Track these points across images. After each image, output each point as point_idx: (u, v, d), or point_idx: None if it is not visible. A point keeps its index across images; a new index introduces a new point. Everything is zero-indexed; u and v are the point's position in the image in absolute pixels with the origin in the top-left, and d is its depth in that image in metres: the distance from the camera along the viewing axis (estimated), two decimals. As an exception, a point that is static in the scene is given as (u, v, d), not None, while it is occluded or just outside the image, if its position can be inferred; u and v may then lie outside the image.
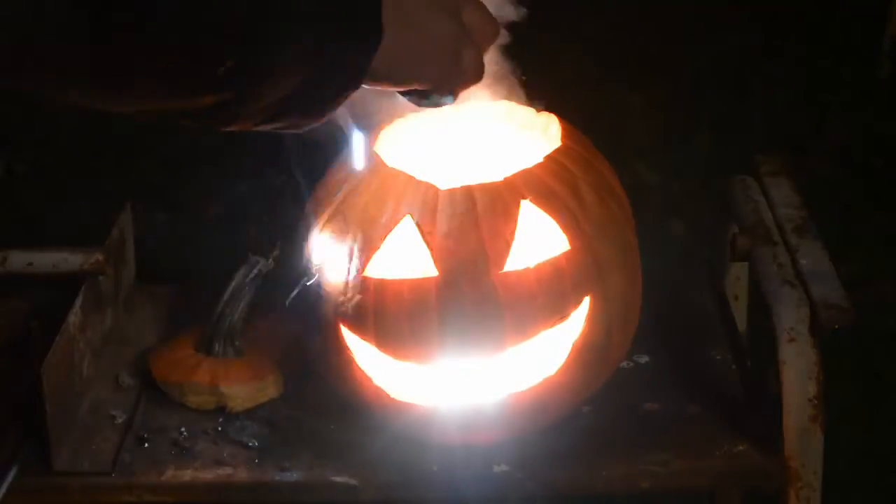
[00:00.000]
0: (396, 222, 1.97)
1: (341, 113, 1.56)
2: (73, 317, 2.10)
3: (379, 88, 1.51)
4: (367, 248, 1.97)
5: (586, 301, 1.99)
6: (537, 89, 2.18)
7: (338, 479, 2.01)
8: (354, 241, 1.98)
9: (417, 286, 1.95)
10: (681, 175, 4.11)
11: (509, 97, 2.13)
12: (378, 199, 1.99)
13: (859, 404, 3.18)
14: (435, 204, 1.96)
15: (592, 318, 1.99)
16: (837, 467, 2.88)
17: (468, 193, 1.97)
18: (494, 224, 1.95)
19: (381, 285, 1.96)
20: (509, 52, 2.09)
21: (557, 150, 2.03)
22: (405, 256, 2.00)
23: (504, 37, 1.97)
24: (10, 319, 2.30)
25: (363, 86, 1.44)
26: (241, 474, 2.01)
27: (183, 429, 2.11)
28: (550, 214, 1.97)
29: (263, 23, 1.29)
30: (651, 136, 4.33)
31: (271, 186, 4.13)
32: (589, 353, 2.00)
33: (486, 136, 2.19)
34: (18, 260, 2.27)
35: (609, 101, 4.48)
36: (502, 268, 1.94)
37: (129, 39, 1.23)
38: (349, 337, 2.00)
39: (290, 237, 2.10)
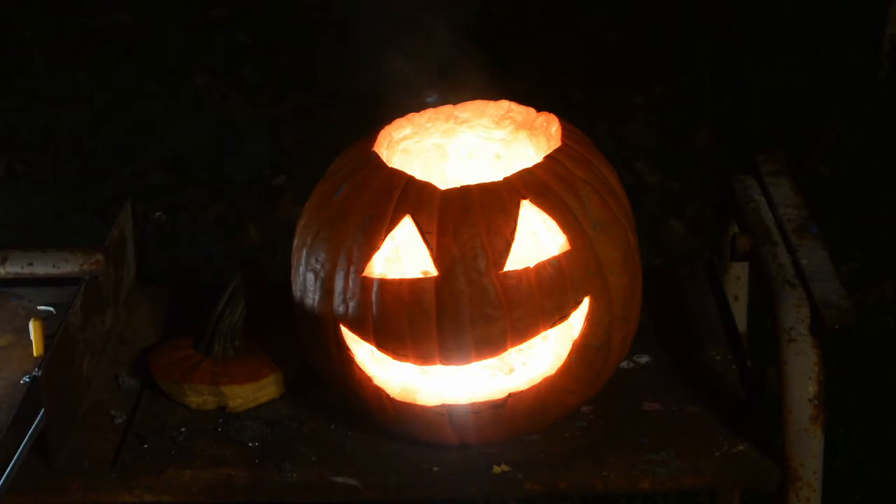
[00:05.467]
0: (396, 222, 1.97)
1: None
2: (73, 317, 2.10)
3: None
4: (367, 248, 1.97)
5: (586, 301, 1.99)
6: (538, 89, 2.18)
7: (338, 479, 2.01)
8: (354, 241, 1.98)
9: (417, 286, 1.95)
10: (681, 175, 4.11)
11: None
12: (378, 199, 1.99)
13: (859, 404, 3.18)
14: (435, 204, 1.96)
15: (592, 318, 1.99)
16: (837, 467, 2.88)
17: (467, 193, 1.97)
18: (494, 224, 1.95)
19: (381, 285, 1.96)
20: (510, 53, 2.09)
21: (557, 150, 2.03)
22: (405, 256, 2.00)
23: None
24: (10, 319, 2.30)
25: None
26: (241, 474, 2.02)
27: (183, 429, 2.11)
28: (550, 214, 1.97)
29: None
30: (651, 136, 4.33)
31: (271, 186, 4.14)
32: (589, 353, 2.00)
33: (484, 137, 2.19)
34: (18, 260, 2.27)
35: (609, 101, 4.48)
36: (502, 268, 1.94)
37: None
38: (349, 337, 2.00)
39: (290, 237, 2.10)
